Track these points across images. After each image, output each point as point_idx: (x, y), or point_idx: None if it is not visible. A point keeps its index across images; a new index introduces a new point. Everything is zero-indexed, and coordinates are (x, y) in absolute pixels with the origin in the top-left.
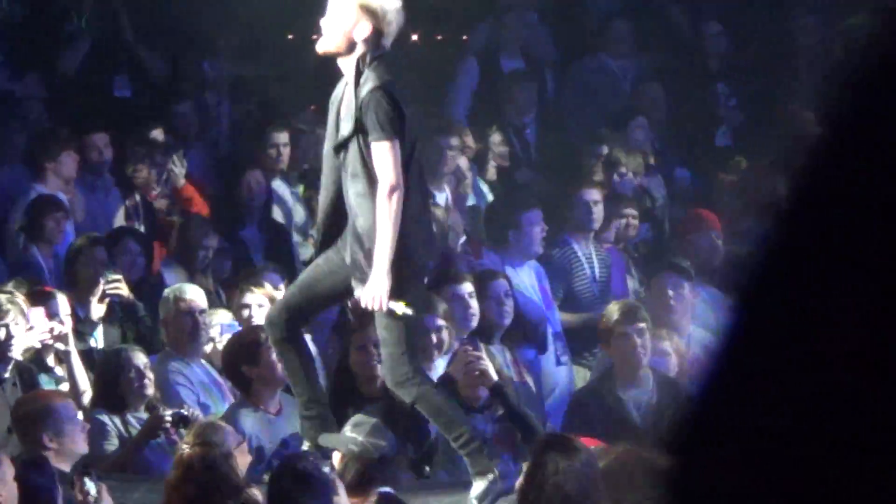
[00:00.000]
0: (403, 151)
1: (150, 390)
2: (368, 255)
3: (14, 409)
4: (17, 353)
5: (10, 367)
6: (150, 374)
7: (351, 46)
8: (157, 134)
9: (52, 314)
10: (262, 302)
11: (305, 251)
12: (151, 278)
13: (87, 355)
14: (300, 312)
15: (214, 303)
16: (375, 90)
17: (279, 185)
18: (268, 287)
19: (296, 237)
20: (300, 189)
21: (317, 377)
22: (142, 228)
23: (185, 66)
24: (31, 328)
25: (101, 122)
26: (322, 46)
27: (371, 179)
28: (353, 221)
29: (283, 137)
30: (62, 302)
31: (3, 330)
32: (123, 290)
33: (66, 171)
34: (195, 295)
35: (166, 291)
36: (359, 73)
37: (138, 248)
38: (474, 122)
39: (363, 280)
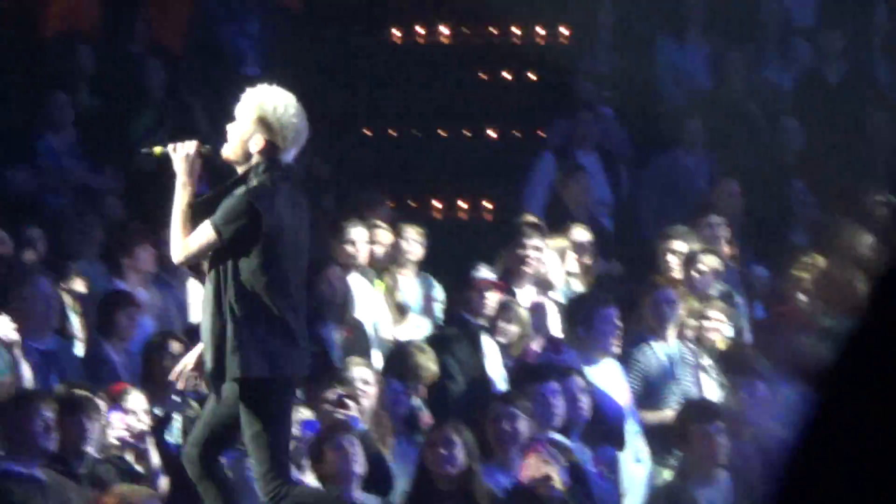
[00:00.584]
0: (264, 262)
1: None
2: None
3: None
4: (93, 449)
5: (85, 464)
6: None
7: (246, 156)
8: None
9: (129, 411)
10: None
11: (383, 347)
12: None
13: (166, 451)
14: (211, 444)
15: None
16: (243, 195)
17: (357, 280)
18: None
19: (374, 334)
20: (379, 285)
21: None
22: None
23: None
24: (107, 425)
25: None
26: (224, 153)
27: (217, 289)
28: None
29: (360, 233)
30: (138, 399)
31: (79, 426)
32: (200, 385)
33: (142, 265)
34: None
35: None
36: (245, 176)
37: None
38: (551, 217)
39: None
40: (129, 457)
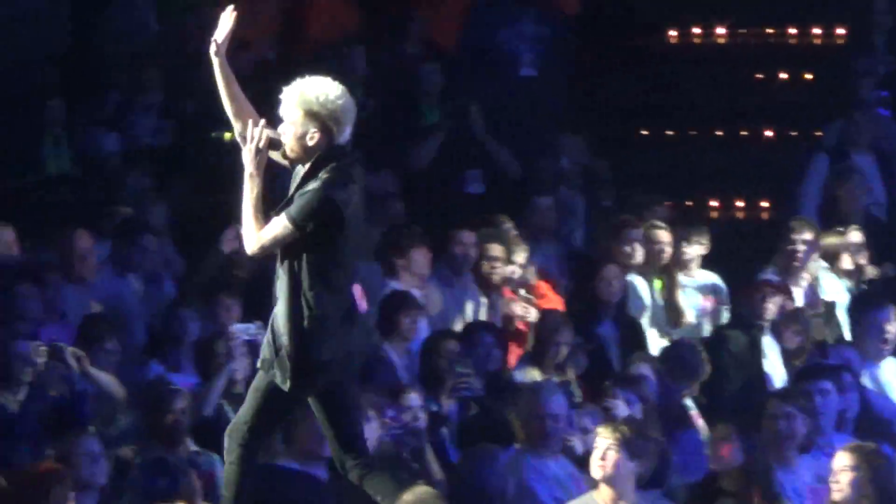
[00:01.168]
0: (338, 253)
1: None
2: (280, 349)
3: None
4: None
5: None
6: None
7: (307, 152)
8: (510, 228)
9: (406, 409)
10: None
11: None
12: (505, 375)
13: (441, 449)
14: (253, 429)
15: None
16: (323, 189)
17: (635, 281)
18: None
19: (651, 333)
20: (657, 285)
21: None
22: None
23: (542, 160)
24: (385, 423)
25: (454, 218)
26: (288, 155)
27: (290, 273)
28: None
29: (637, 234)
30: (415, 398)
31: None
32: (475, 385)
33: (417, 267)
34: (550, 395)
35: (523, 390)
36: (315, 170)
37: (493, 342)
38: (825, 217)
39: (282, 376)
40: (406, 455)
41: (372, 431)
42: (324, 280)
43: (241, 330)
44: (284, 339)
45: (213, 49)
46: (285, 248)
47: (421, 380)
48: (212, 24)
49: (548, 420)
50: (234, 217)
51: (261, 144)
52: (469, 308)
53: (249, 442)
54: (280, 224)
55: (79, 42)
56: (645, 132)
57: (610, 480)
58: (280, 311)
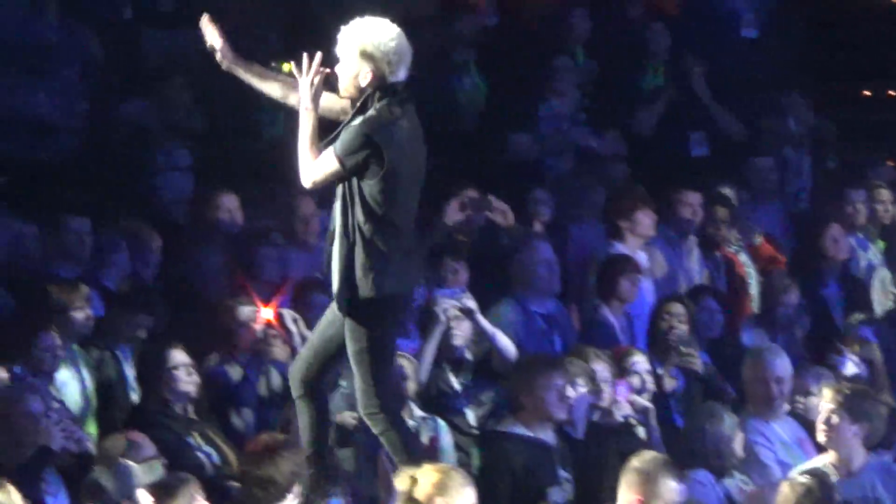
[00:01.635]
0: (386, 187)
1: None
2: (339, 282)
3: None
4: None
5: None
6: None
7: (360, 91)
8: (729, 191)
9: (631, 372)
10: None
11: (885, 307)
12: (730, 338)
13: (666, 412)
14: (313, 368)
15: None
16: (360, 125)
17: (858, 241)
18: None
19: (876, 293)
20: (880, 245)
21: (326, 438)
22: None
23: (767, 122)
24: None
25: (678, 180)
26: (341, 94)
27: (342, 206)
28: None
29: (860, 195)
30: (642, 361)
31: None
32: (696, 363)
33: (642, 230)
34: (776, 358)
35: (748, 353)
36: (363, 106)
37: (717, 307)
38: None
39: (340, 308)
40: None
41: (583, 400)
42: (374, 215)
43: (446, 294)
44: (335, 269)
45: (220, 59)
46: (338, 181)
47: (648, 344)
48: None
49: (772, 383)
50: (456, 187)
51: (316, 78)
52: (693, 270)
53: (316, 378)
54: (327, 158)
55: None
56: (868, 92)
57: (834, 444)
58: (334, 244)
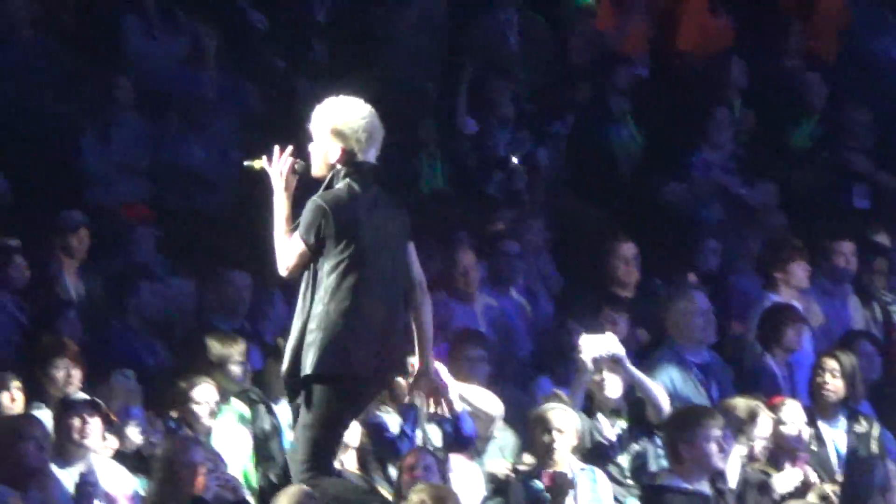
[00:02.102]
0: (340, 262)
1: None
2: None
3: None
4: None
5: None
6: None
7: (330, 169)
8: (886, 241)
9: (786, 423)
10: None
11: None
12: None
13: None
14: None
15: None
16: (314, 198)
17: None
18: None
19: None
20: None
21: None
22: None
23: None
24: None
25: (836, 231)
26: (313, 172)
27: (306, 289)
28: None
29: None
30: (796, 411)
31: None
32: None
33: (796, 281)
34: None
35: None
36: (329, 186)
37: (874, 349)
38: None
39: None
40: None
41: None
42: (331, 293)
43: (589, 341)
44: (286, 354)
45: (289, 169)
46: (309, 262)
47: (809, 394)
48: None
49: None
50: (613, 237)
51: (284, 169)
52: (850, 320)
53: (317, 475)
54: (294, 241)
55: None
56: None
57: None
58: (293, 322)
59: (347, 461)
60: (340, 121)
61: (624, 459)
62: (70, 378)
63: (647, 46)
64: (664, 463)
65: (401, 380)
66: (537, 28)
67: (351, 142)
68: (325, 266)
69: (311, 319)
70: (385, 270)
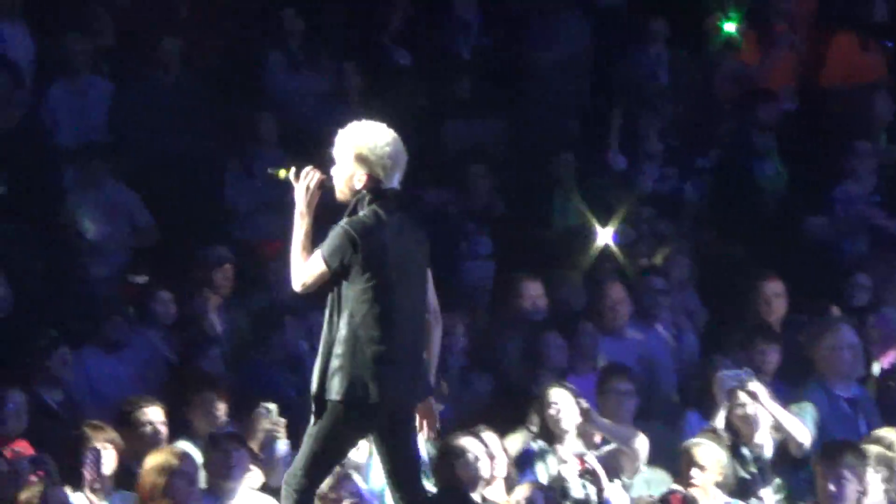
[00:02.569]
0: (366, 289)
1: None
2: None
3: None
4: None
5: None
6: None
7: (355, 194)
8: None
9: None
10: None
11: None
12: None
13: None
14: (307, 474)
15: None
16: (341, 224)
17: None
18: None
19: None
20: None
21: None
22: None
23: None
24: None
25: None
26: (337, 196)
27: (331, 314)
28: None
29: None
30: None
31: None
32: None
33: None
34: None
35: None
36: (353, 209)
37: None
38: None
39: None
40: None
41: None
42: (355, 320)
43: (729, 376)
44: (314, 375)
45: (317, 184)
46: (325, 285)
47: None
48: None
49: None
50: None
51: (312, 184)
52: None
53: (306, 488)
54: (314, 260)
55: (595, 92)
56: None
57: None
58: (319, 348)
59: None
60: (366, 146)
61: (767, 493)
62: (216, 413)
63: (793, 81)
64: (809, 497)
65: None
66: (683, 63)
67: (376, 168)
68: (351, 292)
69: (337, 343)
70: (410, 297)
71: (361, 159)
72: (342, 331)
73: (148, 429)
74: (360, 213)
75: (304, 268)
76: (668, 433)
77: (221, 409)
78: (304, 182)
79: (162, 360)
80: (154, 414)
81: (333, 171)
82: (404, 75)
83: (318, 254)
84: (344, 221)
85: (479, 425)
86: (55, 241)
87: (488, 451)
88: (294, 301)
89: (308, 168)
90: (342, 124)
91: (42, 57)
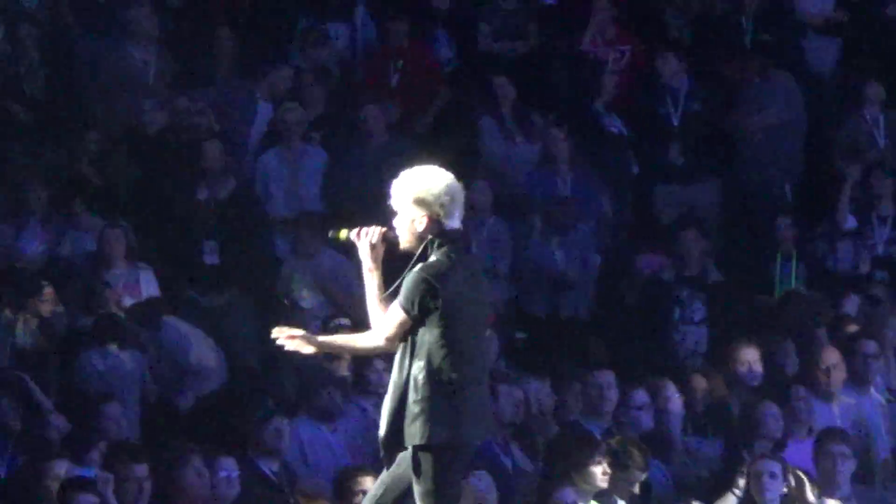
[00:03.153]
0: (445, 333)
1: None
2: (386, 428)
3: None
4: None
5: None
6: None
7: (419, 239)
8: None
9: None
10: None
11: None
12: None
13: None
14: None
15: None
16: (418, 271)
17: None
18: None
19: None
20: None
21: None
22: None
23: None
24: None
25: None
26: (402, 246)
27: (403, 360)
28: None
29: None
30: None
31: None
32: None
33: None
34: None
35: None
36: (423, 254)
37: None
38: None
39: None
40: None
41: None
42: (432, 365)
43: None
44: (384, 419)
45: (380, 238)
46: (409, 332)
47: None
48: None
49: None
50: None
51: (374, 240)
52: None
53: None
54: (394, 311)
55: (809, 160)
56: None
57: None
58: (387, 394)
59: None
60: (422, 189)
61: None
62: None
63: None
64: None
65: None
66: None
67: (435, 207)
68: (428, 336)
69: (413, 388)
70: (480, 337)
71: (419, 202)
72: (419, 375)
73: (357, 499)
74: (432, 258)
75: (385, 321)
76: (886, 497)
77: None
78: (365, 239)
79: (375, 428)
80: (369, 484)
81: (395, 222)
82: (615, 142)
83: (397, 304)
84: (419, 267)
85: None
86: (270, 311)
87: None
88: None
89: (371, 229)
90: (555, 190)
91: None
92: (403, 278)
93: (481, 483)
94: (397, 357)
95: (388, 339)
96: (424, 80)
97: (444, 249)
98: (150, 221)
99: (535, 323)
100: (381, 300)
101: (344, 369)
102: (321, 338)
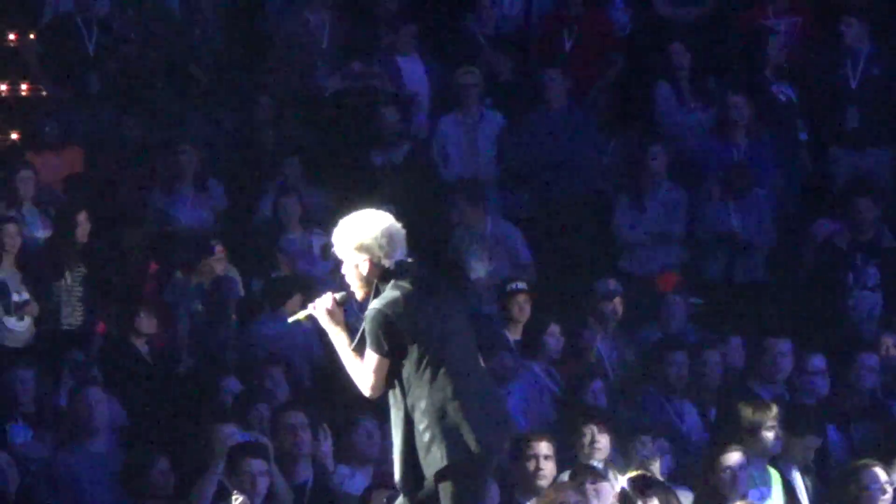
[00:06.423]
0: (424, 357)
1: None
2: (402, 465)
3: None
4: None
5: None
6: None
7: (369, 284)
8: None
9: None
10: None
11: None
12: None
13: None
14: None
15: None
16: (371, 308)
17: None
18: None
19: None
20: None
21: None
22: None
23: None
24: None
25: None
26: (357, 296)
27: (396, 399)
28: None
29: None
30: None
31: None
32: None
33: None
34: None
35: None
36: (375, 295)
37: None
38: None
39: (404, 490)
40: None
41: None
42: (422, 391)
43: None
44: (397, 460)
45: (332, 303)
46: (391, 374)
47: None
48: None
49: None
50: None
51: (328, 306)
52: None
53: None
54: (368, 359)
55: None
56: None
57: None
58: (394, 434)
59: None
60: (360, 234)
61: None
62: (596, 445)
63: None
64: None
65: None
66: None
67: (375, 250)
68: (408, 366)
69: (416, 419)
70: (462, 346)
71: (360, 248)
72: (417, 404)
73: (531, 463)
74: (382, 294)
75: (363, 371)
76: None
77: (602, 441)
78: (321, 308)
79: (547, 392)
80: (541, 448)
81: (343, 270)
82: (783, 108)
83: (368, 350)
84: (374, 305)
85: None
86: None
87: None
88: (684, 335)
89: (321, 299)
90: (731, 156)
91: (435, 90)
92: (363, 325)
93: (646, 449)
94: (391, 399)
95: (373, 389)
96: (599, 45)
97: (391, 282)
98: (325, 187)
99: (709, 288)
100: (355, 355)
101: (518, 333)
102: (340, 330)
